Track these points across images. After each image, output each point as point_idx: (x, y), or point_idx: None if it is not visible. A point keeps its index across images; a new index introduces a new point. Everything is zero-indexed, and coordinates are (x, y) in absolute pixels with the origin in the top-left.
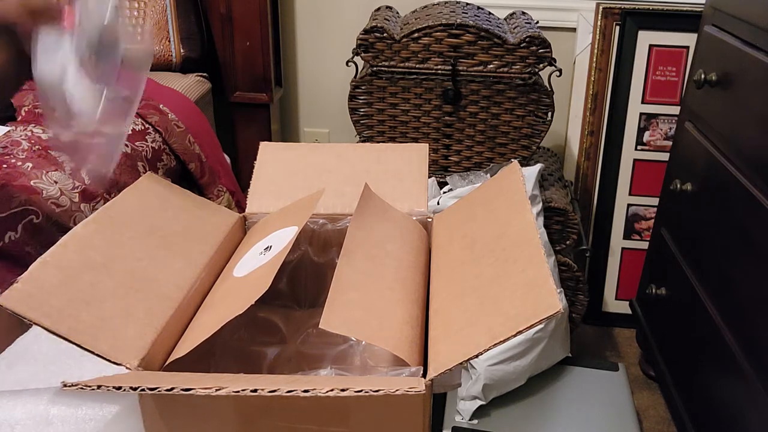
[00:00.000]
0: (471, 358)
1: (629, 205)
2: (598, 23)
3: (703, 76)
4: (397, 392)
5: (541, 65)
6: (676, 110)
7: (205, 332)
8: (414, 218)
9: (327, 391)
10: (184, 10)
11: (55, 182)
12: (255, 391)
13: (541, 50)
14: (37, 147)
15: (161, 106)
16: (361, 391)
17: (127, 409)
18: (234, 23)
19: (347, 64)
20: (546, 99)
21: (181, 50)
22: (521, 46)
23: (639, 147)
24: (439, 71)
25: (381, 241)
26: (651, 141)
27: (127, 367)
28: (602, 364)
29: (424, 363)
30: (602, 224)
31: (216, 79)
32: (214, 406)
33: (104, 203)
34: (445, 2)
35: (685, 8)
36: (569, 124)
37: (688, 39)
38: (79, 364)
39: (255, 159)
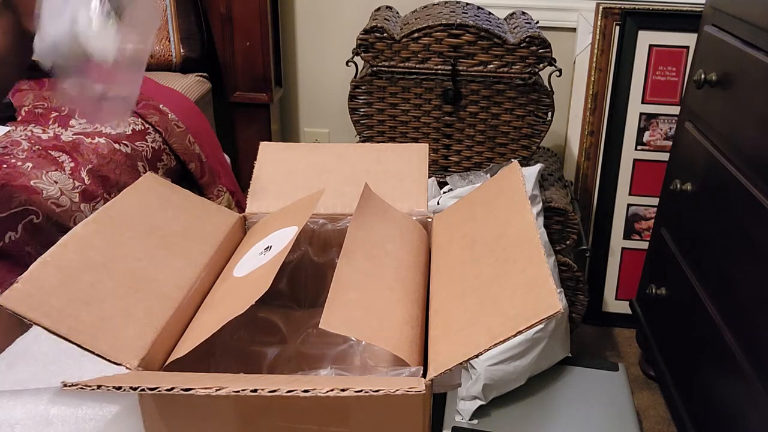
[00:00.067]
0: (471, 358)
1: (629, 205)
2: (598, 23)
3: (703, 76)
4: (397, 392)
5: (541, 65)
6: (676, 110)
7: (205, 332)
8: (414, 218)
9: (327, 391)
10: (184, 10)
11: (55, 182)
12: (255, 391)
13: (541, 50)
14: (37, 147)
15: (161, 106)
16: (361, 391)
17: (127, 409)
18: (234, 23)
19: (347, 64)
20: (546, 99)
21: (181, 50)
22: (521, 46)
23: (639, 147)
24: (439, 71)
25: (381, 241)
26: (651, 141)
27: (127, 367)
28: (602, 364)
29: (424, 363)
30: (602, 224)
31: (216, 79)
32: (214, 406)
33: (104, 203)
34: (445, 2)
35: (685, 8)
36: (569, 124)
37: (688, 39)
38: (79, 364)
39: (255, 159)
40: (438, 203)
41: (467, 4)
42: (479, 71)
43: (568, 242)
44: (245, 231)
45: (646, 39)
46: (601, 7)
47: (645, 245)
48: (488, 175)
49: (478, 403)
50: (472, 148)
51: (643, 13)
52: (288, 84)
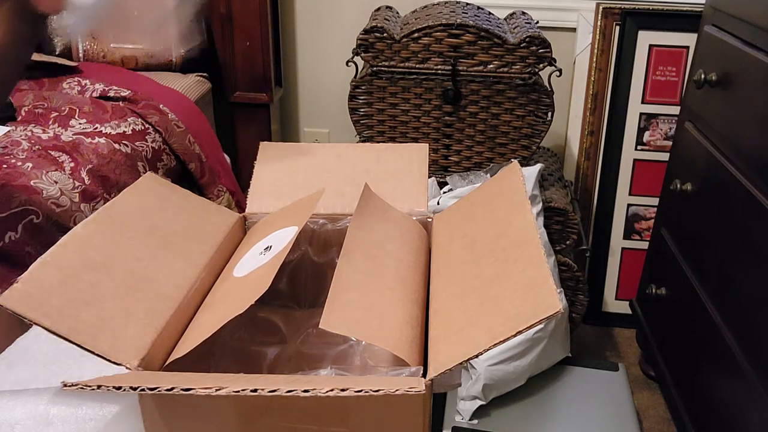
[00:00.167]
0: (471, 358)
1: (629, 205)
2: (598, 23)
3: (703, 76)
4: (397, 392)
5: (541, 65)
6: (676, 110)
7: (205, 332)
8: (414, 218)
9: (327, 391)
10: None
11: (55, 182)
12: (255, 391)
13: (541, 50)
14: (37, 147)
15: (161, 106)
16: (361, 391)
17: (127, 409)
18: (234, 23)
19: (347, 64)
20: (546, 99)
21: (181, 50)
22: (521, 46)
23: (639, 147)
24: (439, 71)
25: (381, 241)
26: (651, 141)
27: (127, 367)
28: (602, 364)
29: (424, 363)
30: (602, 224)
31: (216, 79)
32: (214, 406)
33: (104, 203)
34: (445, 2)
35: (685, 8)
36: (569, 124)
37: (688, 39)
38: (79, 364)
39: (255, 159)
40: (438, 203)
41: (467, 4)
42: (479, 71)
43: (568, 242)
44: (245, 231)
45: (646, 39)
46: (601, 7)
47: (645, 245)
48: (488, 175)
49: (478, 403)
50: (472, 148)
51: (643, 13)
52: (288, 84)
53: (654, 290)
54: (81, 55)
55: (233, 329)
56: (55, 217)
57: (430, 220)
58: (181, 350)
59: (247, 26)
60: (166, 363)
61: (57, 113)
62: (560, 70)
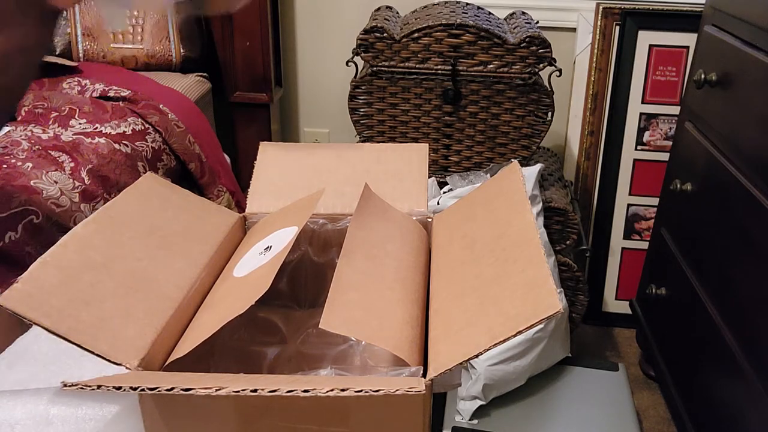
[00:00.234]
0: (471, 358)
1: (629, 205)
2: (598, 23)
3: (703, 76)
4: (397, 392)
5: (541, 65)
6: (676, 110)
7: (205, 332)
8: (414, 218)
9: (327, 391)
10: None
11: (55, 182)
12: (255, 391)
13: (541, 50)
14: (37, 147)
15: (161, 106)
16: (361, 391)
17: (127, 409)
18: (234, 23)
19: (347, 64)
20: (546, 99)
21: (181, 50)
22: (521, 46)
23: (639, 147)
24: (439, 71)
25: (381, 241)
26: (651, 141)
27: (127, 367)
28: (602, 364)
29: (424, 363)
30: (602, 224)
31: (216, 79)
32: (214, 406)
33: (104, 203)
34: (445, 2)
35: (685, 8)
36: (569, 124)
37: (688, 39)
38: (79, 364)
39: (255, 159)
40: (438, 203)
41: (467, 4)
42: (479, 71)
43: (568, 242)
44: (245, 231)
45: (646, 39)
46: (601, 7)
47: (645, 245)
48: (488, 175)
49: (478, 403)
50: (472, 148)
51: (643, 13)
52: (288, 84)
53: (654, 290)
54: (81, 55)
55: (233, 329)
56: (55, 217)
57: (430, 220)
58: (181, 350)
59: (247, 26)
60: (166, 363)
61: (57, 113)
62: (560, 70)
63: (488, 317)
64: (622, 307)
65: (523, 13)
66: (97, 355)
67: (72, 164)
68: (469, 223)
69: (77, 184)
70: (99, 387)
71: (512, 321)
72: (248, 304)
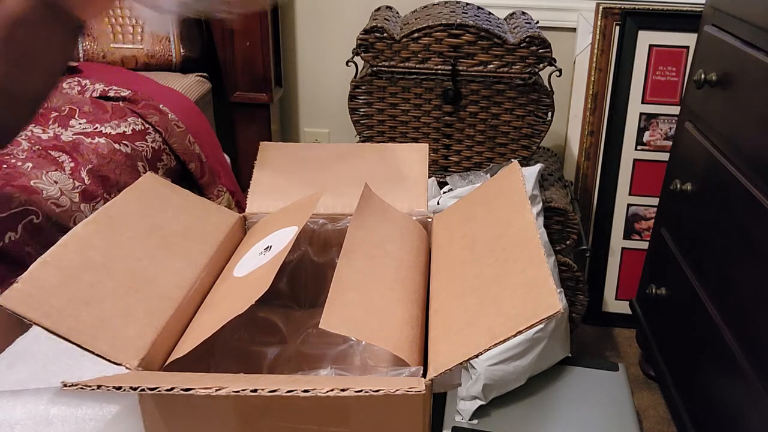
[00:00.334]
0: (471, 358)
1: (629, 205)
2: (598, 23)
3: (703, 76)
4: (397, 392)
5: (541, 65)
6: (676, 110)
7: (205, 332)
8: (414, 218)
9: (327, 391)
10: None
11: (55, 182)
12: (255, 391)
13: (541, 50)
14: (37, 147)
15: (161, 106)
16: (361, 391)
17: (127, 409)
18: (234, 23)
19: (347, 64)
20: (546, 99)
21: (181, 50)
22: (521, 46)
23: (639, 147)
24: (439, 71)
25: (381, 241)
26: (651, 141)
27: (127, 367)
28: (602, 364)
29: (424, 363)
30: (602, 224)
31: (216, 79)
32: (214, 406)
33: (104, 203)
34: (445, 2)
35: (685, 8)
36: (569, 124)
37: (688, 39)
38: (79, 364)
39: (255, 159)
40: (438, 203)
41: (467, 4)
42: (479, 71)
43: (568, 242)
44: (245, 231)
45: (646, 39)
46: (601, 7)
47: (645, 245)
48: (488, 175)
49: (478, 403)
50: (472, 148)
51: (643, 13)
52: (288, 84)
53: (654, 290)
54: (81, 55)
55: (233, 329)
56: (55, 217)
57: (430, 220)
58: (181, 350)
59: (247, 26)
60: (166, 363)
61: (57, 113)
62: (560, 70)
63: (488, 317)
64: (622, 307)
65: (523, 13)
66: (97, 355)
67: (72, 164)
68: (469, 223)
69: (77, 184)
70: (99, 387)
71: (512, 321)
72: (248, 304)
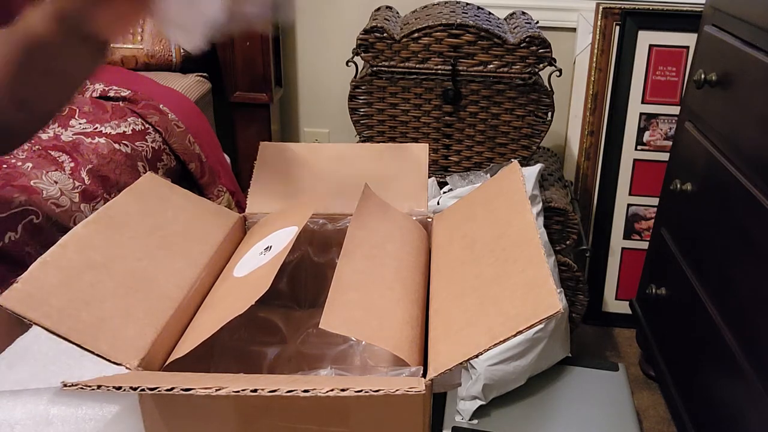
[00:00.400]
0: (471, 358)
1: (629, 205)
2: (598, 23)
3: (703, 76)
4: (397, 392)
5: (541, 65)
6: (676, 110)
7: (205, 332)
8: (414, 218)
9: (327, 391)
10: None
11: (55, 182)
12: (255, 391)
13: (541, 50)
14: (37, 147)
15: (161, 106)
16: (361, 391)
17: (127, 409)
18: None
19: (347, 64)
20: (546, 99)
21: (181, 50)
22: (521, 46)
23: (639, 147)
24: (439, 71)
25: (381, 241)
26: (651, 141)
27: (127, 367)
28: (602, 364)
29: (424, 363)
30: (602, 224)
31: (216, 79)
32: (214, 406)
33: (104, 203)
34: (445, 2)
35: (685, 8)
36: (569, 124)
37: (688, 39)
38: (79, 364)
39: (255, 159)
40: (438, 203)
41: (467, 4)
42: (479, 71)
43: (568, 242)
44: (245, 231)
45: (646, 39)
46: (601, 7)
47: (645, 245)
48: (488, 175)
49: (478, 403)
50: (472, 148)
51: (643, 13)
52: (288, 84)
53: (654, 290)
54: None
55: (233, 329)
56: (55, 217)
57: (430, 220)
58: (181, 350)
59: None
60: (166, 363)
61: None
62: (560, 70)
63: (488, 317)
64: (622, 307)
65: (523, 13)
66: (97, 355)
67: (72, 164)
68: (469, 223)
69: (77, 184)
70: (99, 387)
71: (512, 321)
72: (248, 304)
